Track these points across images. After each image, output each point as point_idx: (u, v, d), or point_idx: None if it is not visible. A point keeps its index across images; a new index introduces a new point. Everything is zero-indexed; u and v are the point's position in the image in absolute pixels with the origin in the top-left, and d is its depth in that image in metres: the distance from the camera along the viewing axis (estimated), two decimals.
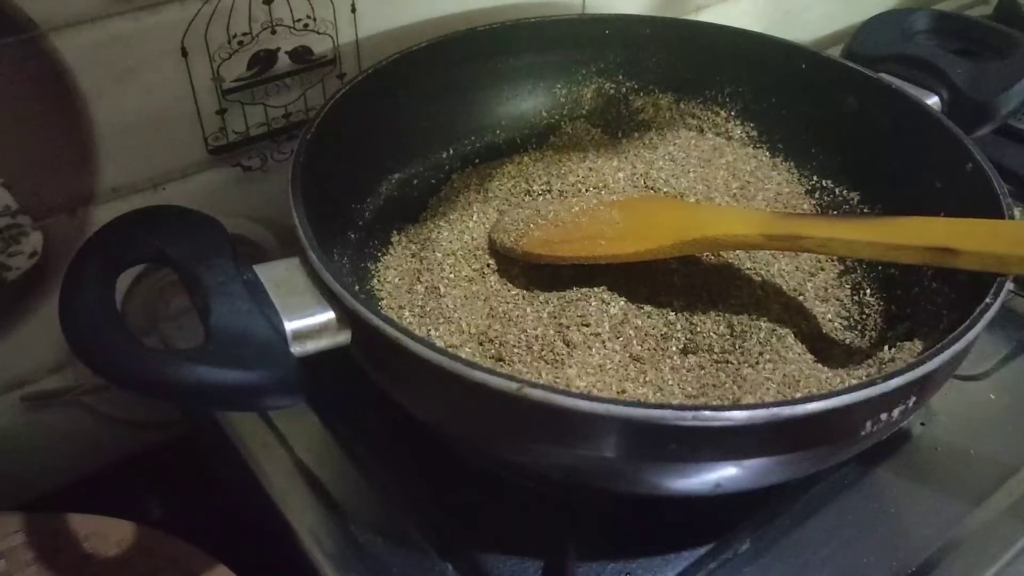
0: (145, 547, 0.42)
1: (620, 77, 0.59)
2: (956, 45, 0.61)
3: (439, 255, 0.49)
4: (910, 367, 0.33)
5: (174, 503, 0.53)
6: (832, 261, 0.50)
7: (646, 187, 0.53)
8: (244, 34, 0.48)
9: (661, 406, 0.38)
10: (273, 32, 0.49)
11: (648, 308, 0.46)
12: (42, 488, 0.52)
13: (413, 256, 0.50)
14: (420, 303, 0.46)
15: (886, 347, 0.42)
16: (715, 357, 0.43)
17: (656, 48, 0.58)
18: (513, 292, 0.48)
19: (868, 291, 0.48)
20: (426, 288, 0.47)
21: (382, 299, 0.47)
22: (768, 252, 0.49)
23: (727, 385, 0.41)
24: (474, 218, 0.52)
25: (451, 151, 0.55)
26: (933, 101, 0.53)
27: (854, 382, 0.40)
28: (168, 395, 0.35)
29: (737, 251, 0.49)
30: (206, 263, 0.35)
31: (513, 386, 0.31)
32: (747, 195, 0.53)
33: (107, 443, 0.54)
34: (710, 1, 0.70)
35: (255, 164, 0.52)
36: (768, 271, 0.48)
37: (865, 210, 0.51)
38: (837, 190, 0.53)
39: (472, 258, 0.49)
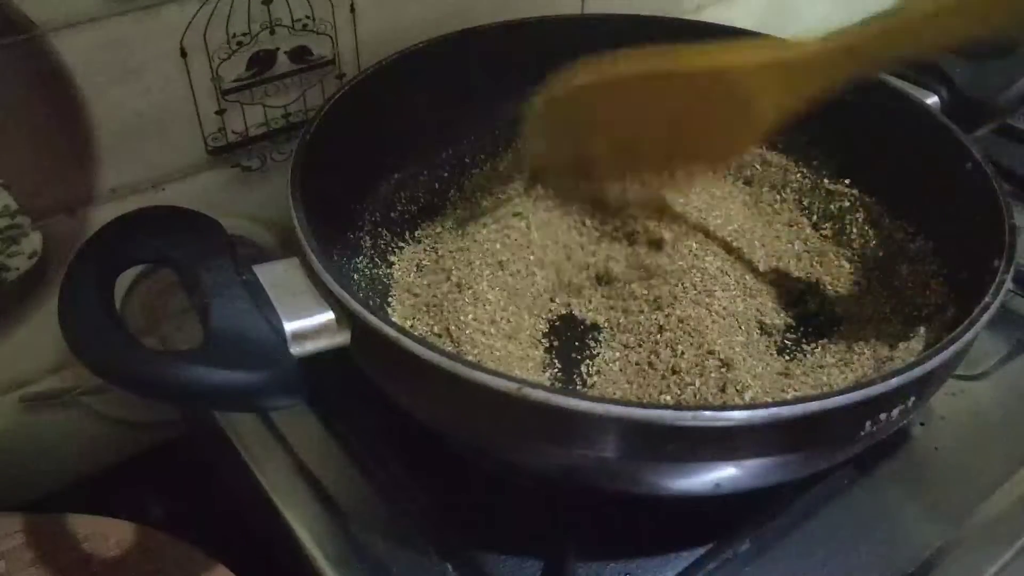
0: (145, 548, 0.42)
1: None
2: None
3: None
4: (909, 367, 0.33)
5: (174, 503, 0.52)
6: (832, 260, 0.50)
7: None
8: (243, 34, 0.48)
9: (661, 406, 0.38)
10: (272, 32, 0.49)
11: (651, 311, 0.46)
12: (42, 488, 0.52)
13: None
14: None
15: (886, 347, 0.42)
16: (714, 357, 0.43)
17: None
18: None
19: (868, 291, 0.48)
20: None
21: None
22: (770, 251, 0.49)
23: (726, 384, 0.41)
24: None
25: (451, 151, 0.55)
26: (933, 101, 0.53)
27: (854, 382, 0.40)
28: (168, 396, 0.35)
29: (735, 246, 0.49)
30: (206, 263, 0.35)
31: (513, 386, 0.31)
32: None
33: (107, 443, 0.54)
34: (710, 1, 0.70)
35: (254, 164, 0.52)
36: (767, 271, 0.48)
37: None
38: (836, 190, 0.53)
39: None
